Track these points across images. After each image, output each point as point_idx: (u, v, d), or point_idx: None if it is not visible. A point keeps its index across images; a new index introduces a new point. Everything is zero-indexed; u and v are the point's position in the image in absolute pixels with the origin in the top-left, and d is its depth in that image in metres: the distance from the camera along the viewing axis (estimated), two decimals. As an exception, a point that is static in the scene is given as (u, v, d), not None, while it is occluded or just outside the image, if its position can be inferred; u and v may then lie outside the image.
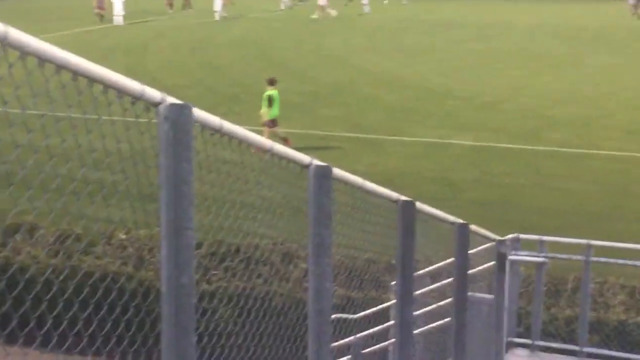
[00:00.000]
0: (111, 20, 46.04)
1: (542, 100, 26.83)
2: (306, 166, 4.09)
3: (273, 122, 19.46)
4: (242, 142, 3.64)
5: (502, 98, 27.10)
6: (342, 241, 5.19)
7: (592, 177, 18.50)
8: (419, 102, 26.40)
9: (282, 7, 57.12)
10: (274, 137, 18.70)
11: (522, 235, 9.54)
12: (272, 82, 19.79)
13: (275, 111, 19.35)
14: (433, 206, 6.35)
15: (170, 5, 52.09)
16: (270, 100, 19.29)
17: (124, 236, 10.79)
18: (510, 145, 21.08)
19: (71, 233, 9.44)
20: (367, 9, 55.79)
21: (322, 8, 53.45)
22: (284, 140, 18.18)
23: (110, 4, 46.88)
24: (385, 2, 65.73)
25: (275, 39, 41.54)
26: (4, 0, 59.77)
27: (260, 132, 3.77)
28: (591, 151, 20.54)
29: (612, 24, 48.83)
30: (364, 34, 44.75)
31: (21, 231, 10.41)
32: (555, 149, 20.75)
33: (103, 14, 46.45)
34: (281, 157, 3.94)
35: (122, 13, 46.26)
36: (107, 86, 2.93)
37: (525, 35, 44.82)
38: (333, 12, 53.58)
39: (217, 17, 50.38)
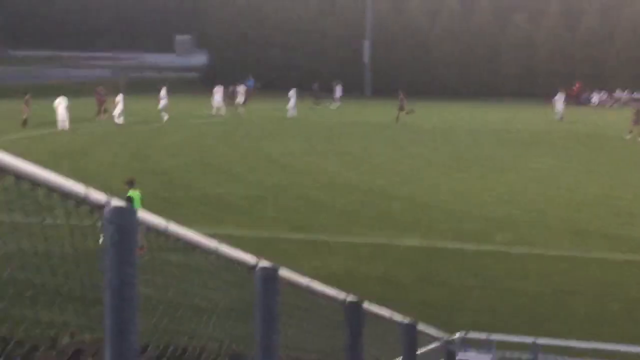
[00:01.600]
0: (47, 126, 45.97)
1: (486, 202, 27.20)
2: (252, 267, 4.09)
3: None
4: (187, 243, 3.63)
5: (447, 200, 27.41)
6: (289, 342, 5.14)
7: (538, 278, 18.66)
8: (362, 204, 26.58)
9: (213, 112, 57.45)
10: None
11: (470, 334, 9.54)
12: (131, 183, 19.56)
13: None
14: (378, 306, 6.35)
15: (103, 112, 52.09)
16: (130, 202, 19.00)
17: (68, 340, 10.52)
18: (457, 247, 21.25)
19: (12, 338, 9.20)
20: (291, 112, 56.60)
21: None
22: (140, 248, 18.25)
23: (53, 110, 46.93)
24: (331, 107, 66.58)
25: (215, 145, 41.78)
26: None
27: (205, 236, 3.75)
28: (536, 252, 20.79)
29: (545, 129, 50.28)
30: (304, 138, 45.20)
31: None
32: (501, 249, 20.96)
33: (26, 119, 46.61)
34: (227, 258, 3.94)
35: (65, 118, 46.29)
36: (51, 189, 2.91)
37: (467, 139, 45.70)
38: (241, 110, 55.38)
39: (163, 118, 50.87)
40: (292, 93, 57.39)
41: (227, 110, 57.55)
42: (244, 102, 60.20)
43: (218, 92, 58.46)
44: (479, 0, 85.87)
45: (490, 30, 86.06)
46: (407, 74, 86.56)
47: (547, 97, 59.42)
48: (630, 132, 45.16)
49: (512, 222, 24.10)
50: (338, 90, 69.10)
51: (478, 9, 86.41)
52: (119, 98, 49.59)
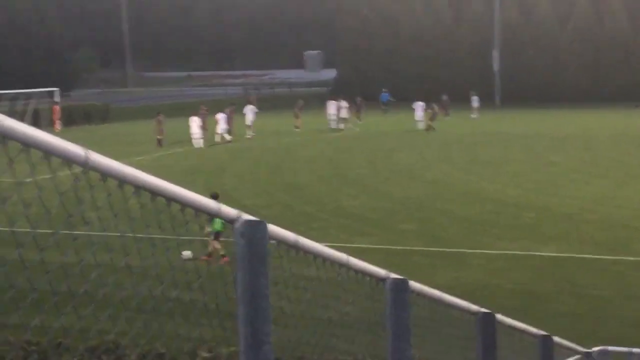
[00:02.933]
0: (183, 144, 47.27)
1: (629, 210, 26.33)
2: (382, 280, 4.09)
3: (216, 235, 19.33)
4: (317, 257, 3.67)
5: (584, 209, 26.69)
6: (421, 355, 5.11)
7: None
8: (497, 214, 26.18)
9: (331, 125, 58.08)
10: (216, 250, 19.16)
11: (610, 348, 9.25)
12: (215, 197, 19.51)
13: (217, 225, 18.50)
14: (516, 319, 6.23)
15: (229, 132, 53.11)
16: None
17: (206, 354, 10.77)
18: (596, 256, 20.64)
19: (153, 350, 9.48)
20: (419, 124, 56.24)
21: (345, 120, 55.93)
22: (223, 257, 18.87)
23: (186, 128, 48.28)
24: (472, 116, 65.92)
25: (350, 157, 42.00)
26: (78, 127, 62.04)
27: (331, 247, 3.78)
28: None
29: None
30: (437, 148, 44.97)
31: (103, 350, 10.49)
32: (641, 258, 20.24)
33: (161, 139, 47.88)
34: (357, 271, 3.96)
35: (200, 136, 47.48)
36: (185, 205, 3.01)
37: (605, 146, 44.43)
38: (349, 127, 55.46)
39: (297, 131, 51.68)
40: (419, 104, 57.13)
41: (349, 122, 58.17)
42: (356, 115, 60.87)
43: (332, 106, 59.14)
44: (611, 1, 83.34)
45: (623, 31, 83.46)
46: (537, 80, 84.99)
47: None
48: None
49: (655, 231, 23.22)
50: (475, 101, 68.25)
51: (610, 11, 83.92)
52: (219, 116, 50.07)
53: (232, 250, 3.08)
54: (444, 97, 67.59)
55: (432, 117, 56.01)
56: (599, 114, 66.93)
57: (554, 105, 76.62)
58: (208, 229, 18.80)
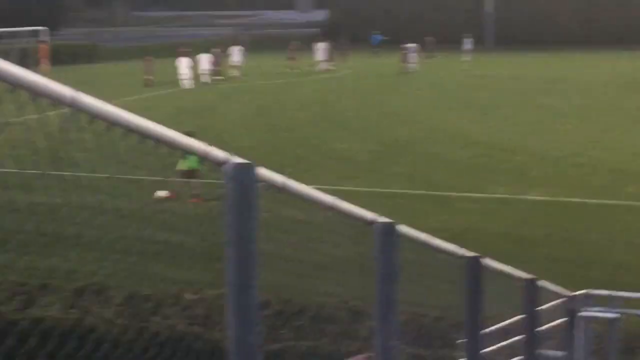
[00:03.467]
0: (171, 85, 47.04)
1: (617, 154, 26.40)
2: (370, 223, 4.10)
3: (186, 174, 18.57)
4: (306, 200, 3.67)
5: (574, 152, 26.75)
6: (408, 298, 5.15)
7: (669, 231, 18.06)
8: (487, 158, 26.23)
9: (318, 67, 58.07)
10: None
11: (593, 291, 9.34)
12: (190, 134, 19.06)
13: (192, 163, 17.97)
14: (504, 263, 6.27)
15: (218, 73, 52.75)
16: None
17: (192, 296, 10.85)
18: (584, 200, 20.75)
19: (139, 293, 9.53)
20: (412, 67, 55.99)
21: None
22: (197, 196, 17.74)
23: (174, 69, 47.99)
24: (464, 58, 65.47)
25: (341, 99, 41.87)
26: (65, 67, 61.55)
27: (319, 190, 3.79)
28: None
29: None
30: (428, 91, 44.85)
31: (90, 292, 10.54)
32: (632, 203, 20.33)
33: (151, 80, 47.66)
34: (345, 215, 3.96)
35: (188, 76, 47.25)
36: (174, 147, 3.00)
37: (596, 89, 44.38)
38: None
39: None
40: (412, 46, 56.80)
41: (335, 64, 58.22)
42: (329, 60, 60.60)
43: (320, 49, 59.28)
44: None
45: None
46: (530, 23, 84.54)
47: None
48: None
49: (642, 176, 23.32)
50: (468, 43, 67.66)
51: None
52: (202, 57, 49.69)
53: (212, 191, 3.07)
54: (428, 39, 67.09)
55: (404, 59, 56.16)
56: (591, 57, 66.70)
57: (546, 49, 76.29)
58: (182, 166, 18.24)
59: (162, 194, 17.49)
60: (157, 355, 3.34)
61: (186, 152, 3.09)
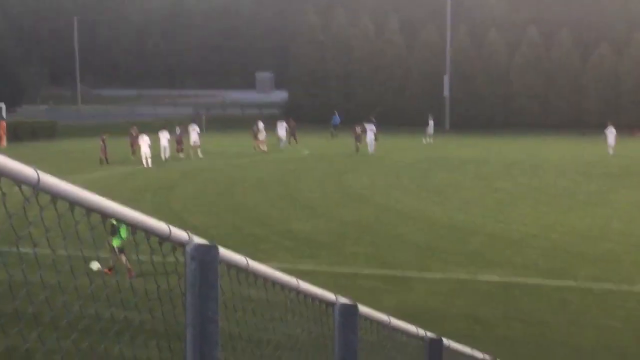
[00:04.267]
0: (125, 163, 47.02)
1: (573, 236, 26.72)
2: (331, 304, 4.11)
3: (121, 250, 19.46)
4: (267, 280, 3.68)
5: (531, 234, 27.03)
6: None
7: (624, 314, 18.21)
8: (445, 239, 26.39)
9: (281, 145, 58.94)
10: (121, 265, 19.23)
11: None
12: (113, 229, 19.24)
13: (117, 241, 19.13)
14: (461, 343, 6.29)
15: (181, 150, 53.14)
16: (115, 229, 17.30)
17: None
18: (540, 282, 20.90)
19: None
20: (371, 148, 56.45)
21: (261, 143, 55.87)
22: (129, 270, 19.13)
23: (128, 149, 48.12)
24: (425, 141, 66.26)
25: (300, 180, 42.04)
26: (25, 144, 61.26)
27: (279, 268, 3.78)
28: (622, 288, 20.30)
29: (629, 162, 49.10)
30: (387, 172, 45.23)
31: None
32: (586, 284, 20.53)
33: (105, 158, 47.74)
34: (306, 295, 3.97)
35: (149, 155, 47.35)
36: (136, 227, 3.00)
37: (552, 173, 45.08)
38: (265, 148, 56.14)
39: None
40: (370, 127, 57.35)
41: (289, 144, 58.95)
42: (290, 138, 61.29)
43: (281, 127, 60.29)
44: (559, 31, 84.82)
45: (571, 61, 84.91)
46: (487, 107, 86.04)
47: (632, 129, 57.97)
48: None
49: (597, 257, 23.60)
50: (431, 125, 68.71)
51: (559, 40, 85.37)
52: (161, 134, 50.05)
53: (152, 267, 3.07)
54: (372, 118, 67.81)
55: (358, 139, 56.88)
56: (546, 141, 67.90)
57: (502, 132, 77.62)
58: (112, 243, 19.15)
59: (95, 265, 17.80)
60: None
61: (148, 232, 3.09)
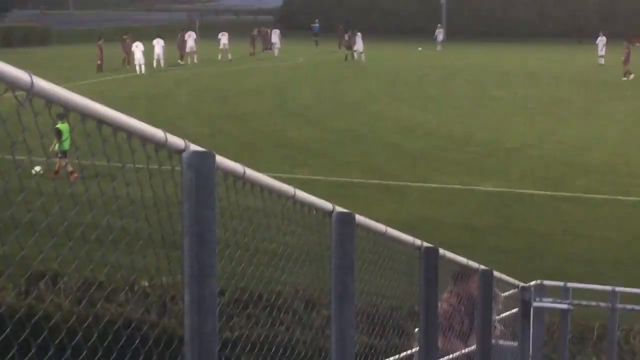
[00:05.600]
0: (119, 71, 46.70)
1: (567, 147, 26.75)
2: (329, 213, 4.09)
3: (63, 154, 20.04)
4: (264, 189, 3.65)
5: (526, 145, 27.04)
6: (364, 288, 5.16)
7: (618, 224, 18.34)
8: (440, 148, 26.40)
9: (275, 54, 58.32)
10: (62, 168, 19.84)
11: (546, 282, 9.45)
12: (60, 117, 19.67)
13: (65, 144, 19.75)
14: (455, 253, 6.32)
15: (182, 57, 52.87)
16: (59, 134, 19.34)
17: (146, 284, 10.79)
18: (535, 192, 20.98)
19: (94, 281, 9.47)
20: (362, 56, 56.05)
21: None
22: (71, 173, 19.65)
23: (131, 54, 47.68)
24: (419, 49, 65.96)
25: (293, 87, 41.82)
26: (17, 49, 60.61)
27: (275, 178, 3.77)
28: (617, 197, 20.39)
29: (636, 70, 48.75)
30: (382, 81, 44.97)
31: (45, 279, 10.47)
32: (581, 195, 20.62)
33: (101, 64, 47.31)
34: (303, 204, 3.95)
35: (143, 62, 46.92)
36: (131, 134, 2.95)
37: (549, 83, 44.86)
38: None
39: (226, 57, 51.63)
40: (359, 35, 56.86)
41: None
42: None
43: (275, 35, 59.76)
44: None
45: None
46: (483, 15, 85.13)
47: (631, 38, 57.30)
48: None
49: (592, 167, 23.66)
50: (440, 34, 68.64)
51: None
52: (156, 42, 49.41)
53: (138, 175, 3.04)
54: (340, 27, 67.18)
55: (346, 46, 56.60)
56: (543, 50, 67.39)
57: (499, 40, 76.97)
58: (55, 148, 19.59)
59: (37, 169, 18.16)
60: (113, 343, 3.30)
61: (144, 139, 3.04)
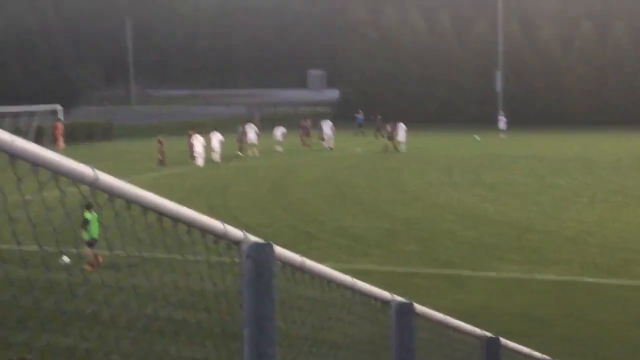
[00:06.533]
0: (180, 164, 47.51)
1: (630, 233, 26.29)
2: (387, 302, 4.08)
3: (91, 243, 20.24)
4: (322, 279, 3.66)
5: (587, 232, 26.65)
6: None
7: (685, 312, 17.85)
8: (499, 236, 26.14)
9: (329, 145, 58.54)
10: (90, 257, 20.02)
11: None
12: (88, 206, 19.92)
13: (93, 232, 20.13)
14: (520, 343, 6.21)
15: (241, 149, 53.92)
16: (86, 222, 19.89)
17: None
18: (598, 280, 20.58)
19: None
20: (403, 147, 56.06)
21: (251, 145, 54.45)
22: (91, 265, 19.73)
23: (190, 146, 48.62)
24: (476, 137, 66.02)
25: (351, 177, 42.03)
26: (81, 145, 62.10)
27: (333, 267, 3.76)
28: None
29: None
30: (441, 169, 44.98)
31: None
32: (644, 283, 20.17)
33: (162, 159, 48.07)
34: (362, 294, 3.94)
35: (203, 155, 47.71)
36: (191, 226, 3.00)
37: (607, 169, 44.43)
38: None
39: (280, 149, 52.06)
40: (401, 125, 57.01)
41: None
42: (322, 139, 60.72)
43: (327, 126, 59.95)
44: (614, 24, 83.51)
45: (626, 55, 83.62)
46: (539, 102, 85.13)
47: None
48: None
49: (657, 255, 23.17)
50: (502, 121, 69.30)
51: (613, 35, 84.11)
52: (213, 135, 49.82)
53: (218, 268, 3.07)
54: (378, 117, 67.48)
55: (389, 137, 56.63)
56: (600, 137, 66.95)
57: (556, 128, 76.75)
58: (85, 237, 19.90)
59: (66, 259, 18.39)
60: None
61: (203, 230, 3.09)
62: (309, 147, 58.10)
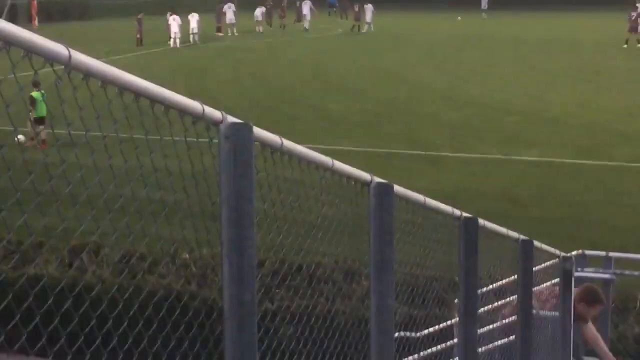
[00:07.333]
0: (159, 45, 46.85)
1: (610, 115, 26.39)
2: (367, 184, 4.09)
3: (37, 122, 20.33)
4: (301, 160, 3.65)
5: (568, 113, 26.73)
6: (403, 259, 5.16)
7: (661, 193, 18.10)
8: (480, 118, 26.19)
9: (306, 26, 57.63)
10: (36, 135, 20.26)
11: (588, 252, 9.39)
12: (35, 84, 19.58)
13: (40, 111, 20.07)
14: (496, 223, 6.28)
15: (220, 30, 53.04)
16: (33, 102, 19.58)
17: (186, 255, 10.89)
18: (577, 161, 20.76)
19: (135, 252, 9.58)
20: (366, 27, 55.78)
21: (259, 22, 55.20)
22: (43, 142, 19.89)
23: (167, 27, 47.84)
24: (458, 18, 65.46)
25: (331, 59, 41.70)
26: (56, 24, 61.03)
27: (314, 149, 3.76)
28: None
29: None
30: (423, 50, 44.66)
31: (86, 251, 10.61)
32: (624, 164, 20.36)
33: (140, 38, 47.37)
34: (341, 175, 3.94)
35: (179, 36, 47.06)
36: (169, 106, 2.96)
37: (591, 51, 44.23)
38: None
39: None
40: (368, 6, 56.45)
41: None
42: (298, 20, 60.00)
43: (305, 7, 59.00)
44: None
45: None
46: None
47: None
48: None
49: (635, 136, 23.33)
50: (484, 1, 68.90)
51: None
52: (191, 16, 49.11)
53: (206, 149, 3.05)
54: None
55: (357, 18, 56.17)
56: (585, 17, 66.38)
57: (540, 8, 75.94)
58: (32, 115, 19.74)
59: (21, 138, 18.74)
60: (154, 314, 3.34)
61: (181, 111, 3.05)
62: (282, 28, 57.47)
